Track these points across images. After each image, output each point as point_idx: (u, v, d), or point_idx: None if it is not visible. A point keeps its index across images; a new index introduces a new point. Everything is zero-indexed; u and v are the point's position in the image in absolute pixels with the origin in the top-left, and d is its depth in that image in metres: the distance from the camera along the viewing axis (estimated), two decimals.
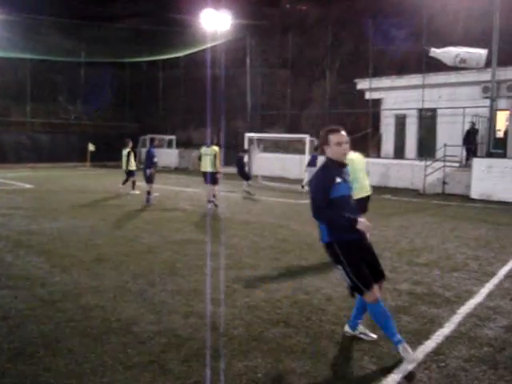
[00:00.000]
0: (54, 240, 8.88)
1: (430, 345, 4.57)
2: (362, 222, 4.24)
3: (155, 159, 14.82)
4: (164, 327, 4.87)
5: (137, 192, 16.35)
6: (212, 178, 13.58)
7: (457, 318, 5.24)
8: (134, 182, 16.68)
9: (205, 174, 13.71)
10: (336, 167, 4.39)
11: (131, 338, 4.60)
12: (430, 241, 9.61)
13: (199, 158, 14.03)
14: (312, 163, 18.11)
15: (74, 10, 38.16)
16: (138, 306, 5.48)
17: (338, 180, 4.31)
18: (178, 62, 35.49)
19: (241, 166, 18.28)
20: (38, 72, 33.50)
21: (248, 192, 17.36)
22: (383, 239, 9.65)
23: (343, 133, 4.38)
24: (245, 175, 18.22)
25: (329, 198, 4.28)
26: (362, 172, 7.96)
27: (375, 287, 4.34)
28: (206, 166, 13.67)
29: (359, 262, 4.35)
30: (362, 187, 7.59)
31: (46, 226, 10.26)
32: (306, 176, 18.60)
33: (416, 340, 4.65)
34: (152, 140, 16.01)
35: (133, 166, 16.74)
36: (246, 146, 23.27)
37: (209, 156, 13.64)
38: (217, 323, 4.96)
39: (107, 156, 31.99)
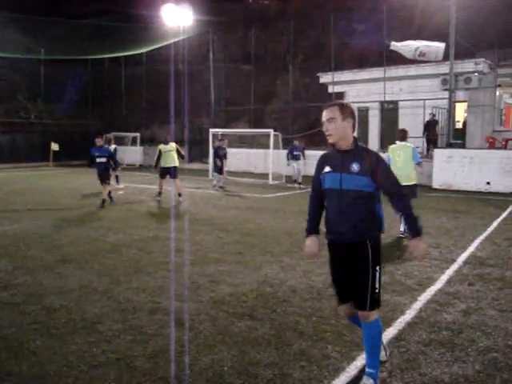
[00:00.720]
0: (17, 242, 8.70)
1: (391, 331, 4.70)
2: (309, 244, 3.84)
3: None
4: (129, 325, 4.87)
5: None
6: (175, 172, 14.26)
7: (418, 305, 5.40)
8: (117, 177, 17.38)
9: (168, 169, 14.13)
10: (333, 153, 3.70)
11: (96, 337, 4.58)
12: (391, 230, 9.79)
13: (158, 157, 14.30)
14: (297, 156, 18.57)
15: (33, 6, 37.33)
16: (103, 304, 5.45)
17: (327, 169, 3.67)
18: (140, 58, 35.12)
19: (220, 158, 17.78)
20: None
21: (221, 187, 17.50)
22: None
23: (331, 108, 3.62)
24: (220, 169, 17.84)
25: (319, 188, 3.75)
26: (401, 162, 8.93)
27: (343, 307, 3.87)
28: (170, 161, 14.21)
29: (332, 270, 3.89)
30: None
31: (8, 228, 10.06)
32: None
33: None
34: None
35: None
36: (210, 142, 23.22)
37: (172, 151, 14.22)
38: (182, 319, 4.98)
39: (71, 155, 31.45)
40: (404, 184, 7.79)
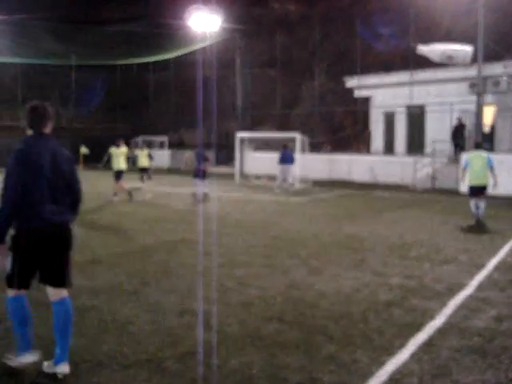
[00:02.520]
0: None
1: (421, 337, 4.65)
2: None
3: None
4: (159, 326, 4.93)
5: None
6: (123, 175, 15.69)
7: (448, 310, 5.34)
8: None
9: (121, 171, 15.56)
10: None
11: (127, 338, 4.65)
12: (420, 235, 9.73)
13: (108, 159, 15.92)
14: (288, 160, 19.02)
15: (65, 13, 38.12)
16: (134, 305, 5.53)
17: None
18: (168, 64, 35.51)
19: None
20: (28, 76, 33.37)
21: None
22: (374, 234, 9.74)
23: None
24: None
25: None
26: (478, 166, 10.85)
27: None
28: (122, 164, 15.58)
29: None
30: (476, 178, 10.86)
31: None
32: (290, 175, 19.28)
33: (408, 332, 4.73)
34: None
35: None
36: (240, 145, 23.32)
37: (123, 156, 15.65)
38: (211, 321, 5.01)
39: (100, 158, 31.89)
40: (480, 185, 10.77)
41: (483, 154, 11.20)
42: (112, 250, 8.34)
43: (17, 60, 30.49)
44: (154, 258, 7.72)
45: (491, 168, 10.96)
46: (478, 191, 10.88)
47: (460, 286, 6.23)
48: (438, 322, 5.01)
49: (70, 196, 4.09)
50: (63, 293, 4.11)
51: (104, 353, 4.34)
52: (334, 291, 6.03)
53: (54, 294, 4.10)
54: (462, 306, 5.48)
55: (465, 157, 11.72)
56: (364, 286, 6.27)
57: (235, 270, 6.97)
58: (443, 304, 5.54)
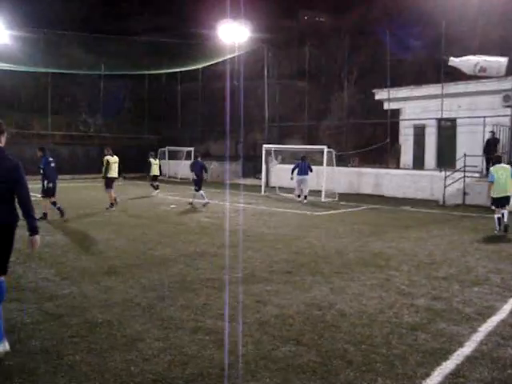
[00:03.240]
0: (67, 252, 8.80)
1: (448, 366, 4.31)
2: None
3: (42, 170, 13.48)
4: (170, 344, 4.70)
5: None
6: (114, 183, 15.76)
7: (478, 337, 4.97)
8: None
9: (115, 178, 15.71)
10: None
11: (136, 355, 4.44)
12: (449, 253, 9.32)
13: (107, 167, 15.46)
14: (305, 171, 18.95)
15: (94, 24, 38.78)
16: (146, 321, 5.32)
17: None
18: (196, 74, 35.63)
19: (199, 172, 17.48)
20: (58, 85, 33.89)
21: (191, 203, 17.10)
22: (401, 251, 9.37)
23: None
24: (198, 183, 17.35)
25: None
26: (503, 178, 11.59)
27: None
28: (115, 172, 15.70)
29: None
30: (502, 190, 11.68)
31: (58, 238, 10.21)
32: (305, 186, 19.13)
33: (434, 360, 4.41)
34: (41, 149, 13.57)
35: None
36: (267, 157, 23.14)
37: (117, 163, 15.70)
38: (225, 340, 4.77)
39: (127, 168, 32.16)
40: (506, 195, 11.61)
41: (506, 166, 12.11)
42: (129, 261, 8.18)
43: (48, 70, 30.97)
44: (172, 271, 7.52)
45: None
46: (503, 202, 11.69)
47: (492, 311, 5.85)
48: (467, 349, 4.66)
49: (19, 200, 4.61)
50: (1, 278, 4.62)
51: (110, 370, 4.14)
52: (356, 312, 5.72)
53: None
54: (494, 333, 5.10)
55: (491, 170, 12.27)
56: (388, 306, 5.94)
57: (254, 286, 6.72)
58: (473, 329, 5.18)
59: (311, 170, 19.35)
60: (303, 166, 19.25)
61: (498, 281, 7.28)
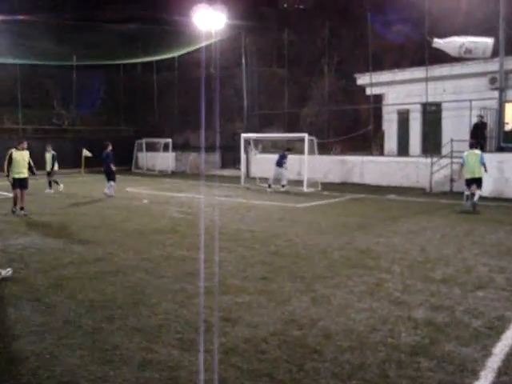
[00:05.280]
0: (14, 259, 7.69)
1: None
2: None
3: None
4: None
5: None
6: (27, 183, 13.02)
7: (494, 362, 4.04)
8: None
9: (23, 180, 12.76)
10: None
11: None
12: (444, 249, 8.41)
13: (9, 162, 12.60)
14: (279, 163, 18.75)
15: (65, 13, 37.18)
16: (85, 352, 4.31)
17: None
18: (172, 63, 34.41)
19: (108, 163, 16.86)
20: (28, 77, 32.45)
21: (106, 194, 16.70)
22: (390, 248, 8.44)
23: None
24: (110, 174, 16.77)
25: None
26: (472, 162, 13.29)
27: None
28: (24, 170, 12.73)
29: None
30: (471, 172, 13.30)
31: (11, 243, 9.09)
32: (272, 175, 18.93)
33: None
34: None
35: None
36: (246, 147, 22.14)
37: (25, 160, 12.78)
38: (178, 379, 3.79)
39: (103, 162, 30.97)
40: (476, 177, 13.17)
41: (477, 151, 13.46)
42: (82, 269, 7.10)
43: (16, 61, 29.53)
44: (129, 281, 6.49)
45: (484, 164, 13.29)
46: (473, 182, 13.24)
47: (503, 323, 4.92)
48: (483, 382, 3.72)
49: None
50: None
51: None
52: (344, 330, 4.76)
53: None
54: None
55: (463, 154, 13.72)
56: (381, 321, 4.99)
57: (223, 298, 5.72)
58: (486, 351, 4.24)
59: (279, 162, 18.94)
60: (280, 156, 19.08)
61: (503, 282, 6.37)
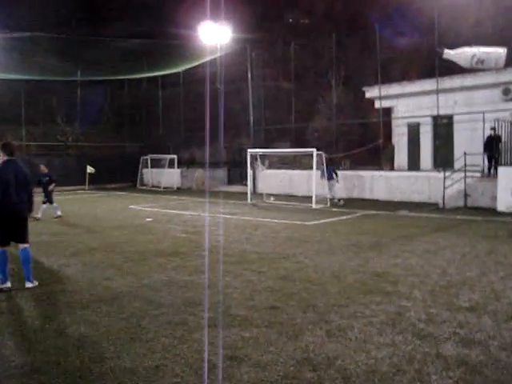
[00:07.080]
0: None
1: None
2: None
3: None
4: None
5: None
6: None
7: None
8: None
9: None
10: None
11: None
12: (467, 271, 7.79)
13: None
14: (330, 176, 18.93)
15: (70, 29, 37.09)
16: None
17: None
18: (178, 78, 34.11)
19: (44, 185, 15.21)
20: (32, 94, 32.27)
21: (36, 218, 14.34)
22: (409, 271, 7.83)
23: None
24: (49, 196, 15.42)
25: None
26: None
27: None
28: None
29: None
30: None
31: None
32: (327, 189, 19.14)
33: None
34: None
35: None
36: (252, 163, 21.62)
37: None
38: None
39: (108, 178, 30.67)
40: None
41: None
42: (75, 298, 6.51)
43: (21, 77, 29.33)
44: (125, 312, 5.90)
45: None
46: None
47: None
48: None
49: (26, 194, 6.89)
50: (25, 245, 7.04)
51: None
52: (364, 371, 4.16)
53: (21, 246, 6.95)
54: None
55: None
56: (407, 359, 4.39)
57: (227, 332, 5.14)
58: None
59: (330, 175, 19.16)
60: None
61: None
